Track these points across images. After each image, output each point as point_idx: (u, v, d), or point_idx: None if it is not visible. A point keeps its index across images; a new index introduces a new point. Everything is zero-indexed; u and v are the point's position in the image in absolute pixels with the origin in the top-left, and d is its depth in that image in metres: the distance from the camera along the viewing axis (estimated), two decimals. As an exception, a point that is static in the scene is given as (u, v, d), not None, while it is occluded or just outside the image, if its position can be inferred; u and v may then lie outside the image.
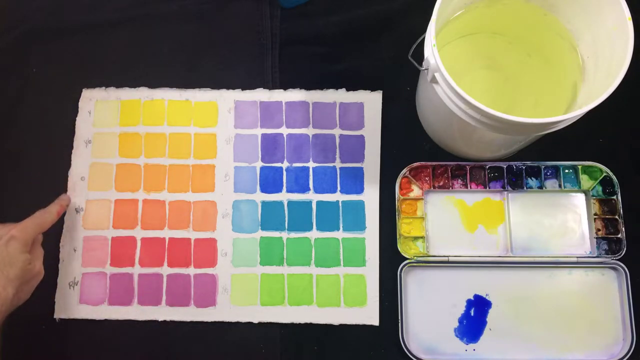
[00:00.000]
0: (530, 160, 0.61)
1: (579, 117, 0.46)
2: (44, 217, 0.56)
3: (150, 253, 0.61)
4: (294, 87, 0.64)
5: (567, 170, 0.60)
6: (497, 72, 0.56)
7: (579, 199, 0.60)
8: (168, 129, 0.64)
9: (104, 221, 0.61)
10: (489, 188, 0.60)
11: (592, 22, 0.50)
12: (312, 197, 0.61)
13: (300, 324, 0.59)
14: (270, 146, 0.63)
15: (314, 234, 0.61)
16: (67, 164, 0.63)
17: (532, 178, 0.60)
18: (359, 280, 0.59)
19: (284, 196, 0.62)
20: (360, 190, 0.61)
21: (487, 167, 0.61)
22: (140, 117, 0.64)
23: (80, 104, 0.64)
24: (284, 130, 0.63)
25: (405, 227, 0.60)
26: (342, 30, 0.65)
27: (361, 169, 0.62)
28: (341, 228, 0.61)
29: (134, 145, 0.63)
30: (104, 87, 0.65)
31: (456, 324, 0.58)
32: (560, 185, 0.60)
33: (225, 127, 0.63)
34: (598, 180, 0.60)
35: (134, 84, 0.65)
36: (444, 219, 0.60)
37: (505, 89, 0.56)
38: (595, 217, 0.59)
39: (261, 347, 0.58)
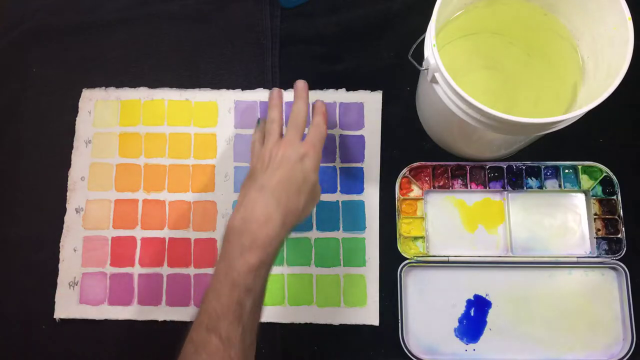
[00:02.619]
0: (530, 160, 0.61)
1: (579, 117, 0.46)
2: (320, 131, 0.53)
3: (150, 253, 0.61)
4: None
5: (567, 170, 0.60)
6: (497, 72, 0.56)
7: (579, 199, 0.61)
8: (168, 129, 0.64)
9: (104, 221, 0.61)
10: (489, 188, 0.60)
11: (592, 22, 0.50)
12: (312, 197, 0.61)
13: (300, 324, 0.59)
14: (270, 146, 0.63)
15: (314, 234, 0.61)
16: (67, 164, 0.63)
17: (532, 178, 0.60)
18: (359, 280, 0.59)
19: (284, 196, 0.62)
20: (360, 190, 0.61)
21: (487, 167, 0.61)
22: (140, 117, 0.64)
23: (80, 104, 0.64)
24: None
25: (405, 227, 0.60)
26: (342, 30, 0.65)
27: (361, 169, 0.62)
28: (341, 228, 0.61)
29: (134, 145, 0.63)
30: (104, 87, 0.65)
31: (456, 324, 0.58)
32: (560, 185, 0.60)
33: (225, 127, 0.63)
34: (598, 180, 0.60)
35: (134, 84, 0.65)
36: (444, 219, 0.60)
37: (505, 89, 0.56)
38: (595, 217, 0.59)
39: (261, 347, 0.58)
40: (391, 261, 0.59)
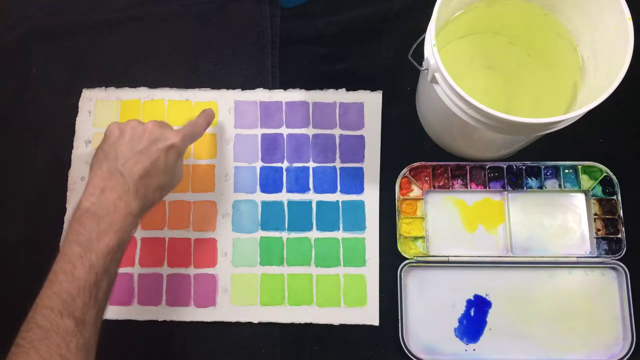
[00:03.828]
0: (530, 160, 0.61)
1: (579, 117, 0.46)
2: (196, 130, 0.55)
3: (150, 253, 0.61)
4: (294, 87, 0.64)
5: (567, 170, 0.60)
6: (497, 72, 0.56)
7: (579, 199, 0.60)
8: (168, 129, 0.64)
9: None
10: (489, 188, 0.60)
11: (592, 22, 0.50)
12: (312, 197, 0.61)
13: (300, 324, 0.59)
14: (270, 146, 0.63)
15: (314, 234, 0.61)
16: (67, 164, 0.63)
17: (532, 178, 0.60)
18: (359, 280, 0.59)
19: (284, 196, 0.62)
20: (360, 190, 0.61)
21: (487, 167, 0.61)
22: (141, 117, 0.64)
23: (80, 104, 0.64)
24: (284, 130, 0.63)
25: (405, 227, 0.60)
26: (342, 30, 0.65)
27: (361, 169, 0.62)
28: (341, 228, 0.61)
29: (134, 145, 0.63)
30: (104, 87, 0.65)
31: (456, 324, 0.58)
32: (560, 185, 0.60)
33: (225, 127, 0.63)
34: (598, 180, 0.60)
35: (134, 84, 0.65)
36: (444, 219, 0.60)
37: (505, 89, 0.56)
38: (595, 217, 0.59)
39: (261, 347, 0.58)
40: (391, 261, 0.59)
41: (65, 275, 0.43)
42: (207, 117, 0.58)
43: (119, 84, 0.65)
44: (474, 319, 0.58)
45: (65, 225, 0.61)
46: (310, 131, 0.63)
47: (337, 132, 0.63)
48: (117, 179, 0.47)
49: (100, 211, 0.46)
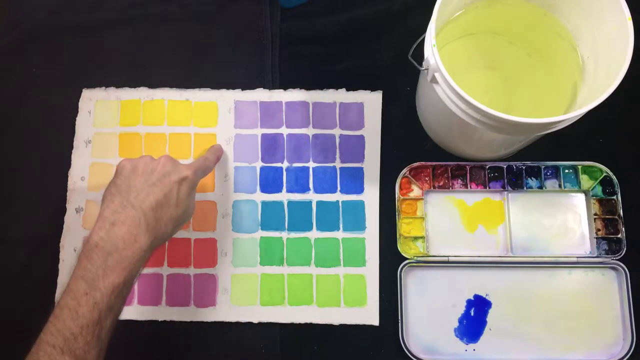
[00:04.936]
0: (530, 160, 0.61)
1: (579, 117, 0.46)
2: (207, 164, 0.56)
3: (150, 253, 0.61)
4: (294, 87, 0.64)
5: (567, 170, 0.60)
6: (497, 72, 0.56)
7: (579, 199, 0.60)
8: (168, 129, 0.64)
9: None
10: (489, 188, 0.60)
11: (592, 22, 0.50)
12: (312, 197, 0.61)
13: (300, 324, 0.59)
14: (270, 146, 0.63)
15: (314, 234, 0.61)
16: (67, 164, 0.63)
17: (532, 178, 0.60)
18: (359, 280, 0.59)
19: (284, 196, 0.62)
20: (360, 190, 0.61)
21: (487, 167, 0.61)
22: (140, 117, 0.64)
23: (80, 104, 0.64)
24: (284, 130, 0.63)
25: (405, 227, 0.60)
26: (342, 30, 0.65)
27: (361, 169, 0.62)
28: (341, 228, 0.61)
29: (134, 146, 0.63)
30: (104, 87, 0.65)
31: (456, 324, 0.58)
32: (560, 185, 0.60)
33: (225, 127, 0.63)
34: (598, 180, 0.60)
35: (134, 84, 0.65)
36: (444, 219, 0.60)
37: (505, 89, 0.56)
38: (595, 217, 0.59)
39: (261, 347, 0.58)
40: (391, 261, 0.59)
41: (70, 311, 0.43)
42: (216, 152, 0.59)
43: (119, 84, 0.65)
44: (474, 319, 0.58)
45: (65, 225, 0.61)
46: (310, 131, 0.63)
47: (337, 132, 0.63)
48: (128, 212, 0.46)
49: (108, 246, 0.45)
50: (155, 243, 0.48)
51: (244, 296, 0.59)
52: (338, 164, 0.62)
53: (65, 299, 0.44)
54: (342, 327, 0.59)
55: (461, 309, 0.59)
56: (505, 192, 0.61)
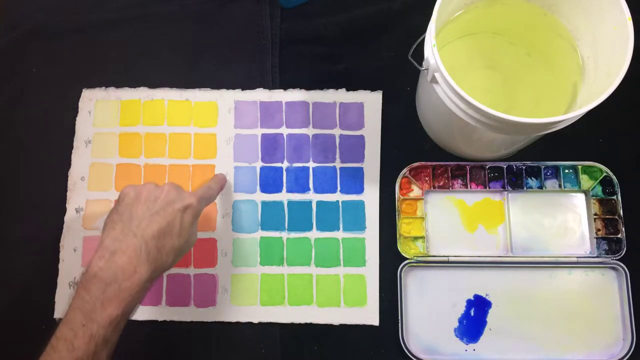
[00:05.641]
0: (530, 160, 0.61)
1: (579, 117, 0.46)
2: (210, 193, 0.55)
3: (150, 253, 0.61)
4: (294, 87, 0.64)
5: (567, 170, 0.60)
6: (497, 72, 0.56)
7: (579, 199, 0.60)
8: (168, 129, 0.64)
9: (104, 221, 0.61)
10: (489, 188, 0.60)
11: (592, 22, 0.50)
12: (312, 197, 0.61)
13: (300, 324, 0.59)
14: (270, 146, 0.63)
15: (314, 234, 0.61)
16: (67, 164, 0.63)
17: (532, 178, 0.60)
18: (359, 280, 0.59)
19: (284, 196, 0.62)
20: (360, 190, 0.61)
21: (487, 167, 0.61)
22: (140, 117, 0.64)
23: (80, 104, 0.64)
24: (284, 130, 0.63)
25: (405, 227, 0.60)
26: (342, 30, 0.65)
27: (361, 169, 0.62)
28: (341, 228, 0.61)
29: (134, 145, 0.63)
30: (104, 87, 0.65)
31: (456, 324, 0.58)
32: (560, 185, 0.60)
33: (225, 127, 0.63)
34: (598, 180, 0.60)
35: (134, 84, 0.65)
36: (444, 219, 0.60)
37: (505, 89, 0.56)
38: (595, 217, 0.59)
39: (261, 347, 0.58)
40: (391, 261, 0.59)
41: (66, 343, 0.42)
42: (220, 181, 0.59)
43: (119, 84, 0.65)
44: (474, 319, 0.58)
45: (65, 225, 0.61)
46: (310, 131, 0.63)
47: (337, 132, 0.63)
48: (129, 241, 0.46)
49: (107, 277, 0.44)
50: (155, 274, 0.47)
51: (244, 296, 0.59)
52: (338, 164, 0.62)
53: (62, 330, 0.43)
54: (342, 327, 0.59)
55: (461, 309, 0.59)
56: (505, 192, 0.61)
